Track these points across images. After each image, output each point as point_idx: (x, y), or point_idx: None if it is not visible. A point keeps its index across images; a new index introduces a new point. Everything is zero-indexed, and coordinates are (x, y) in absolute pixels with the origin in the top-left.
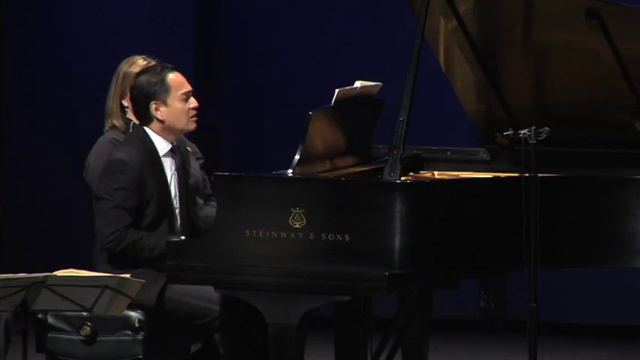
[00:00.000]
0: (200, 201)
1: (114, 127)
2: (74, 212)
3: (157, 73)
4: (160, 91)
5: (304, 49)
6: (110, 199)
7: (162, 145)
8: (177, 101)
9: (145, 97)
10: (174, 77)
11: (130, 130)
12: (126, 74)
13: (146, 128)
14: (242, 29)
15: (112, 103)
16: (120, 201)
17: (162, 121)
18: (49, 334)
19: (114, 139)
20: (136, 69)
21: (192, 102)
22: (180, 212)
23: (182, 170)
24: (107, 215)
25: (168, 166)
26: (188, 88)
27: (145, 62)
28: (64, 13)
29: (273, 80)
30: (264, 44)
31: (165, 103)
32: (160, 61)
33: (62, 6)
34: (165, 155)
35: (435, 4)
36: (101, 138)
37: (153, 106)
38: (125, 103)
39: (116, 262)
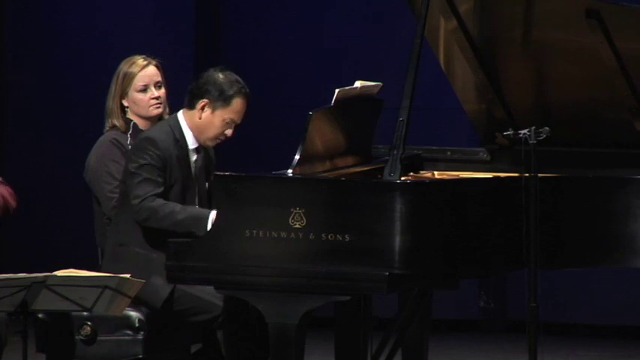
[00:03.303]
0: None
1: (114, 127)
2: (74, 212)
3: (232, 86)
4: (220, 101)
5: (304, 49)
6: (139, 173)
7: (191, 140)
8: (221, 120)
9: (205, 91)
10: (238, 102)
11: (130, 130)
12: (126, 74)
13: (180, 119)
14: (242, 29)
15: (112, 103)
16: (148, 174)
17: (199, 118)
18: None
19: (114, 139)
20: (136, 69)
21: (229, 131)
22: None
23: (203, 173)
24: (137, 187)
25: (193, 161)
26: (239, 120)
27: (145, 62)
28: (64, 13)
29: (273, 80)
30: (264, 44)
31: (213, 111)
32: (160, 61)
33: (62, 6)
34: (191, 150)
35: (435, 4)
36: (101, 138)
37: (203, 102)
38: (125, 103)
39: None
